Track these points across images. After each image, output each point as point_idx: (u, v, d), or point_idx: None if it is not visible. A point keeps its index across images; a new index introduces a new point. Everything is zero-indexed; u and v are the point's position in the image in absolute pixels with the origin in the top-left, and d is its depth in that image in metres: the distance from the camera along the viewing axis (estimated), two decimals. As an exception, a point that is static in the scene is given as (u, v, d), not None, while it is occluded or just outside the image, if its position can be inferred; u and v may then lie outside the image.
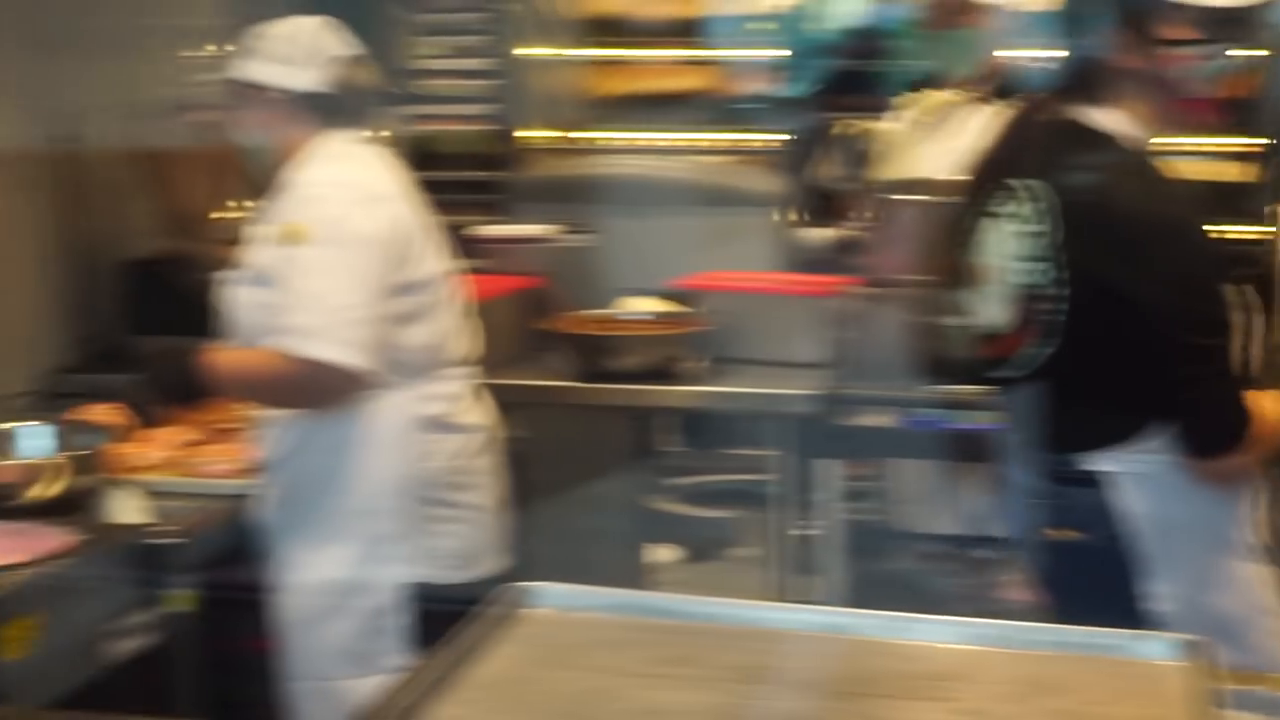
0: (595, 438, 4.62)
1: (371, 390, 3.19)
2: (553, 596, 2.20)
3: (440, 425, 3.26)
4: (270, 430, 3.33)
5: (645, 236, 5.60)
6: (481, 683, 1.96)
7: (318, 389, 3.15)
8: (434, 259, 3.27)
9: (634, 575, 4.68)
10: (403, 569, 3.24)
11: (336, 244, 3.11)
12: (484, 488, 3.34)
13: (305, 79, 3.25)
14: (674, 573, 5.07)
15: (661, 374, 4.45)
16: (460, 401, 3.31)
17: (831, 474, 4.51)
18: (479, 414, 3.37)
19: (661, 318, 4.74)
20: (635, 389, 4.43)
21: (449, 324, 3.30)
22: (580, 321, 4.64)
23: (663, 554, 5.03)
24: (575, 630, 2.14)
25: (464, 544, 3.28)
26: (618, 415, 4.58)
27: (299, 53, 3.25)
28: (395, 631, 3.24)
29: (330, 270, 3.10)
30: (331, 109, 3.27)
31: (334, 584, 3.25)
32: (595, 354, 4.50)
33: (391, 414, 3.23)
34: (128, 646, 3.17)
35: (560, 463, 4.32)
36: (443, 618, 3.15)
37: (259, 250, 3.22)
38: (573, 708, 1.90)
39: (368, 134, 3.35)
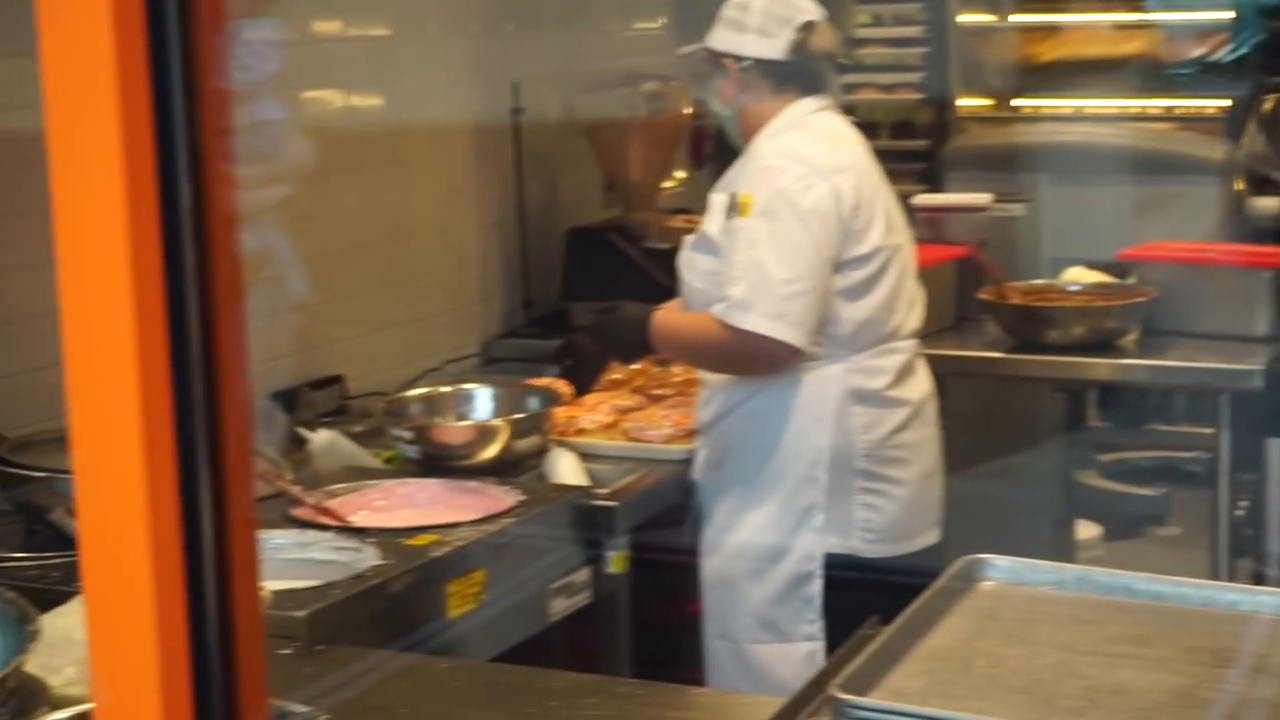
0: (1024, 410, 4.53)
1: (806, 362, 3.19)
2: (1004, 570, 2.15)
3: (874, 399, 3.23)
4: (709, 393, 3.35)
5: (1082, 205, 5.47)
6: (935, 654, 1.92)
7: (748, 359, 3.19)
8: (882, 231, 3.22)
9: (1060, 551, 4.57)
10: (825, 539, 3.23)
11: (780, 217, 3.13)
12: (914, 463, 3.28)
13: (767, 47, 3.27)
14: (1092, 550, 4.94)
15: (1097, 346, 4.33)
16: (898, 375, 3.26)
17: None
18: (915, 388, 3.31)
19: (1099, 288, 4.61)
20: (1068, 361, 4.33)
21: (893, 297, 3.25)
22: (1014, 292, 4.55)
23: (1081, 530, 4.90)
24: (1027, 605, 2.09)
25: (889, 519, 3.24)
26: (1049, 388, 4.46)
27: (761, 20, 3.27)
28: (811, 601, 3.23)
29: (772, 243, 3.12)
30: (794, 76, 3.27)
31: (755, 548, 3.26)
32: (1029, 325, 4.40)
33: (826, 385, 3.22)
34: (564, 605, 3.22)
35: (987, 434, 4.24)
36: (862, 591, 3.16)
37: (712, 218, 3.26)
38: (1030, 684, 1.85)
39: (829, 101, 3.33)
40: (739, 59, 3.29)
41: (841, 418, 3.21)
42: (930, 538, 3.32)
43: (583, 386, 3.60)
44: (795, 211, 3.13)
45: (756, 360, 3.18)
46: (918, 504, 3.29)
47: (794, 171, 3.15)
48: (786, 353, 3.13)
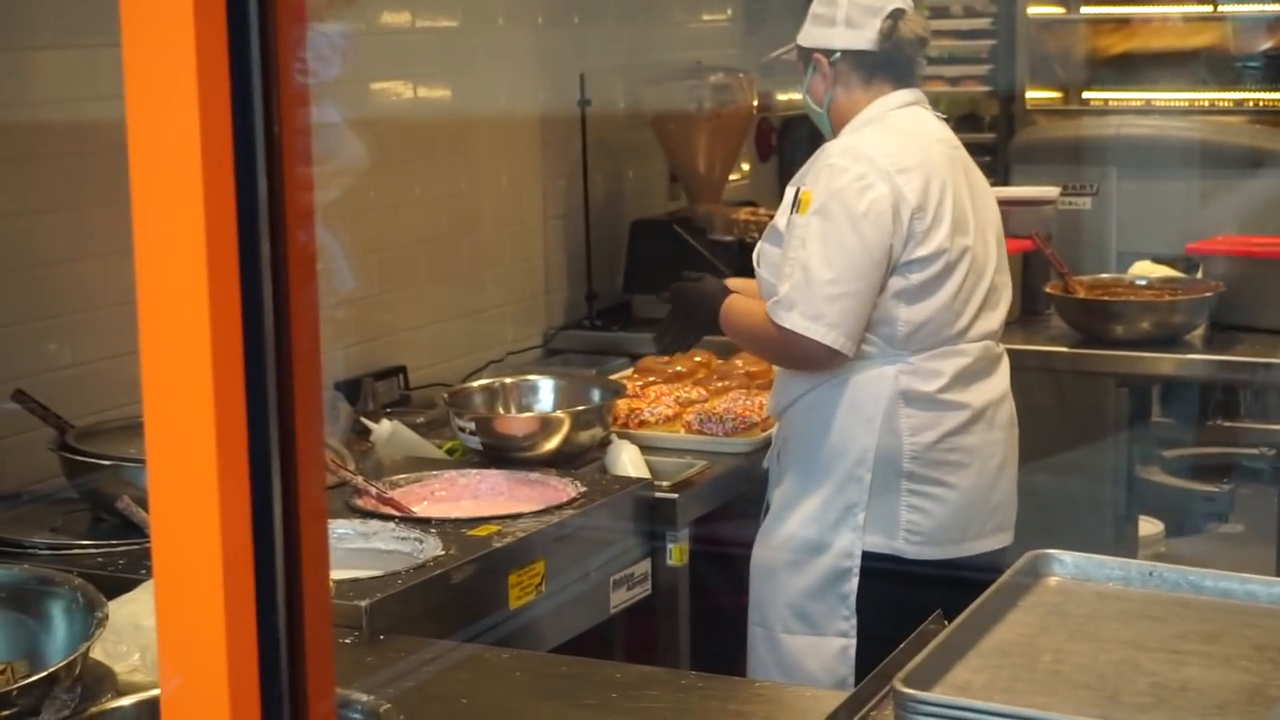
0: (1088, 405, 4.50)
1: (858, 361, 3.20)
2: (1069, 565, 2.14)
3: (926, 401, 3.20)
4: (778, 384, 3.37)
5: (1150, 199, 5.43)
6: (999, 650, 1.92)
7: (790, 356, 3.22)
8: (947, 234, 3.18)
9: (1123, 546, 4.55)
10: (868, 537, 3.22)
11: (833, 218, 3.14)
12: (971, 467, 3.24)
13: (856, 38, 3.27)
14: (1154, 546, 4.91)
15: (1162, 341, 4.31)
16: (956, 378, 3.23)
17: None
18: (981, 391, 3.26)
19: (1165, 283, 4.59)
20: (1134, 356, 4.31)
21: (958, 300, 3.22)
22: (1080, 286, 4.52)
23: (1143, 526, 4.87)
24: (1093, 601, 2.08)
25: (937, 522, 3.21)
26: (1113, 383, 4.45)
27: (849, 12, 3.26)
28: (847, 598, 3.23)
29: (820, 243, 3.13)
30: (884, 67, 3.27)
31: (798, 540, 3.27)
32: (1095, 320, 4.37)
33: (878, 385, 3.21)
34: (624, 597, 3.23)
35: (1050, 429, 4.22)
36: (905, 590, 3.16)
37: (782, 211, 3.27)
38: (1096, 680, 1.84)
39: (917, 96, 3.32)
40: (829, 53, 3.29)
41: (890, 419, 3.20)
42: (992, 542, 3.28)
43: (663, 347, 3.58)
44: (848, 213, 3.13)
45: (797, 358, 3.20)
46: (976, 508, 3.25)
47: (854, 171, 3.14)
48: (824, 353, 3.14)
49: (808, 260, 3.12)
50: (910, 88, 3.31)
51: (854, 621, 3.22)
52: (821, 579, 3.25)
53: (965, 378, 3.24)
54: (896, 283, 3.17)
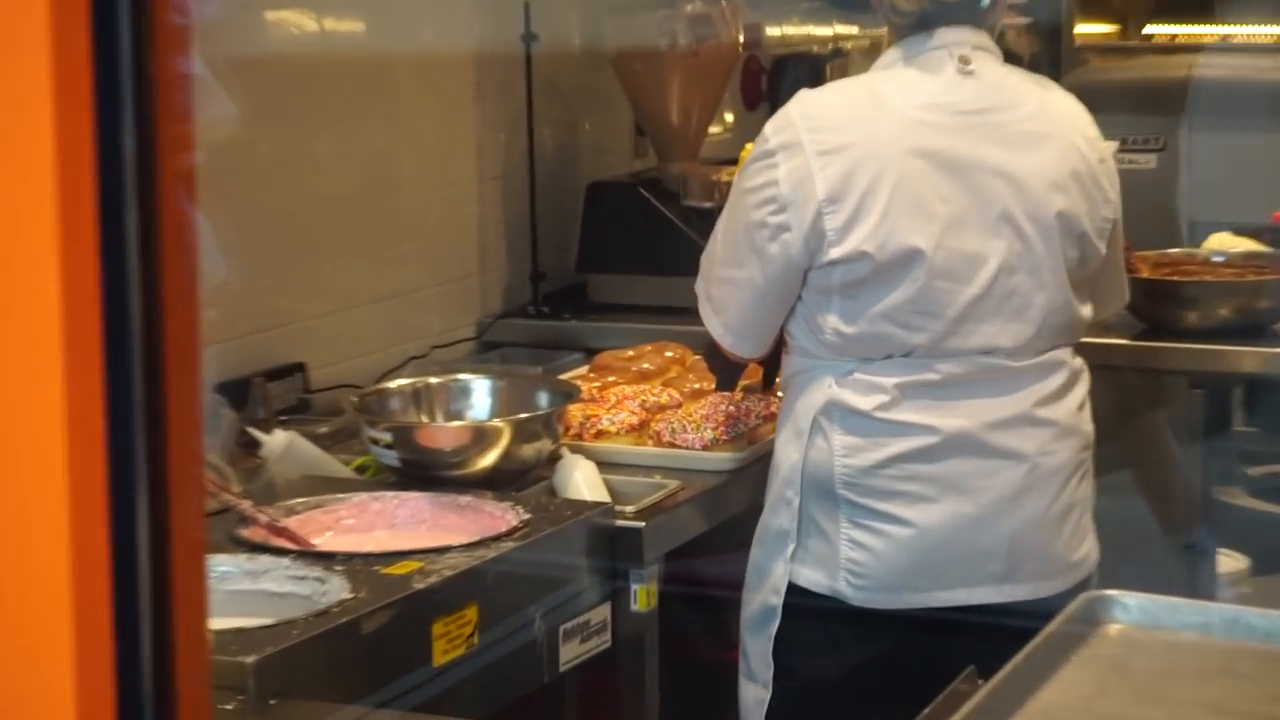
0: (1156, 410, 4.51)
1: (803, 363, 3.28)
2: (1134, 610, 2.14)
3: (865, 420, 3.21)
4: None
5: (1233, 156, 5.44)
6: (1048, 714, 1.91)
7: (708, 345, 3.46)
8: (880, 233, 3.17)
9: (1200, 586, 4.57)
10: (804, 572, 3.25)
11: (734, 189, 3.29)
12: (939, 502, 3.23)
13: None
14: (1239, 586, 4.93)
15: (1246, 332, 4.33)
16: (913, 396, 3.23)
17: None
18: (955, 414, 3.24)
19: (1249, 259, 4.60)
20: (1210, 350, 4.33)
21: (904, 309, 3.20)
22: (1144, 263, 4.54)
23: (1224, 562, 4.89)
24: (1160, 654, 2.09)
25: (889, 565, 3.22)
26: (1185, 383, 4.46)
27: None
28: (770, 640, 3.27)
29: (723, 220, 3.32)
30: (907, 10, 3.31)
31: (749, 568, 3.35)
32: (1162, 305, 4.39)
33: (814, 395, 3.25)
34: (577, 650, 3.23)
35: (1108, 441, 4.22)
36: (843, 642, 3.18)
37: None
38: (1168, 755, 1.84)
39: (956, 35, 3.29)
40: None
41: (820, 435, 3.24)
42: (984, 594, 3.28)
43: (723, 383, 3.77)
44: (739, 188, 3.27)
45: (714, 348, 3.46)
46: (951, 550, 3.25)
47: (769, 143, 3.23)
48: (721, 339, 3.35)
49: (715, 230, 3.34)
50: (957, 25, 3.29)
51: (771, 672, 3.26)
52: (754, 615, 3.31)
53: (928, 396, 3.23)
54: (819, 281, 3.22)
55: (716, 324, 3.32)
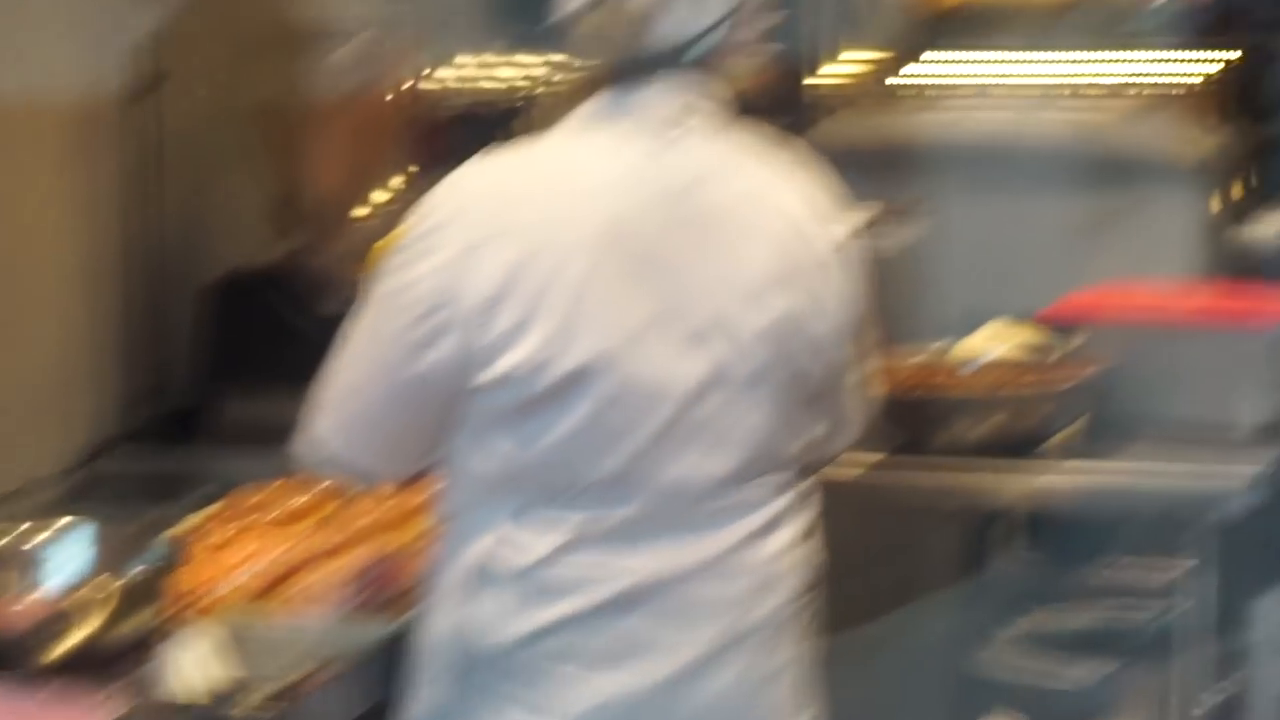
0: (909, 544, 4.57)
1: (455, 504, 3.31)
2: None
3: (524, 576, 3.23)
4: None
5: (997, 230, 5.55)
6: None
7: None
8: (564, 335, 3.17)
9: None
10: None
11: (375, 294, 3.27)
12: (607, 670, 3.25)
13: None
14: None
15: (1016, 449, 4.40)
16: (593, 540, 3.25)
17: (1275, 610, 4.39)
18: (627, 559, 3.27)
19: (1019, 362, 4.67)
20: (974, 473, 4.42)
21: (586, 434, 3.21)
22: (895, 369, 4.53)
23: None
24: None
25: None
26: (945, 510, 4.52)
27: None
28: None
29: (358, 330, 3.29)
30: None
31: None
32: (915, 420, 4.44)
33: (461, 546, 3.28)
34: None
35: (856, 580, 4.26)
36: None
37: None
38: None
39: (651, 99, 3.31)
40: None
41: (465, 595, 3.26)
42: None
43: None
44: (377, 289, 3.26)
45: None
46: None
47: (417, 229, 3.23)
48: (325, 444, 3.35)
49: (347, 343, 3.31)
50: (663, 79, 3.30)
51: None
52: None
53: (611, 539, 3.25)
54: (482, 401, 3.21)
55: (339, 444, 3.32)
